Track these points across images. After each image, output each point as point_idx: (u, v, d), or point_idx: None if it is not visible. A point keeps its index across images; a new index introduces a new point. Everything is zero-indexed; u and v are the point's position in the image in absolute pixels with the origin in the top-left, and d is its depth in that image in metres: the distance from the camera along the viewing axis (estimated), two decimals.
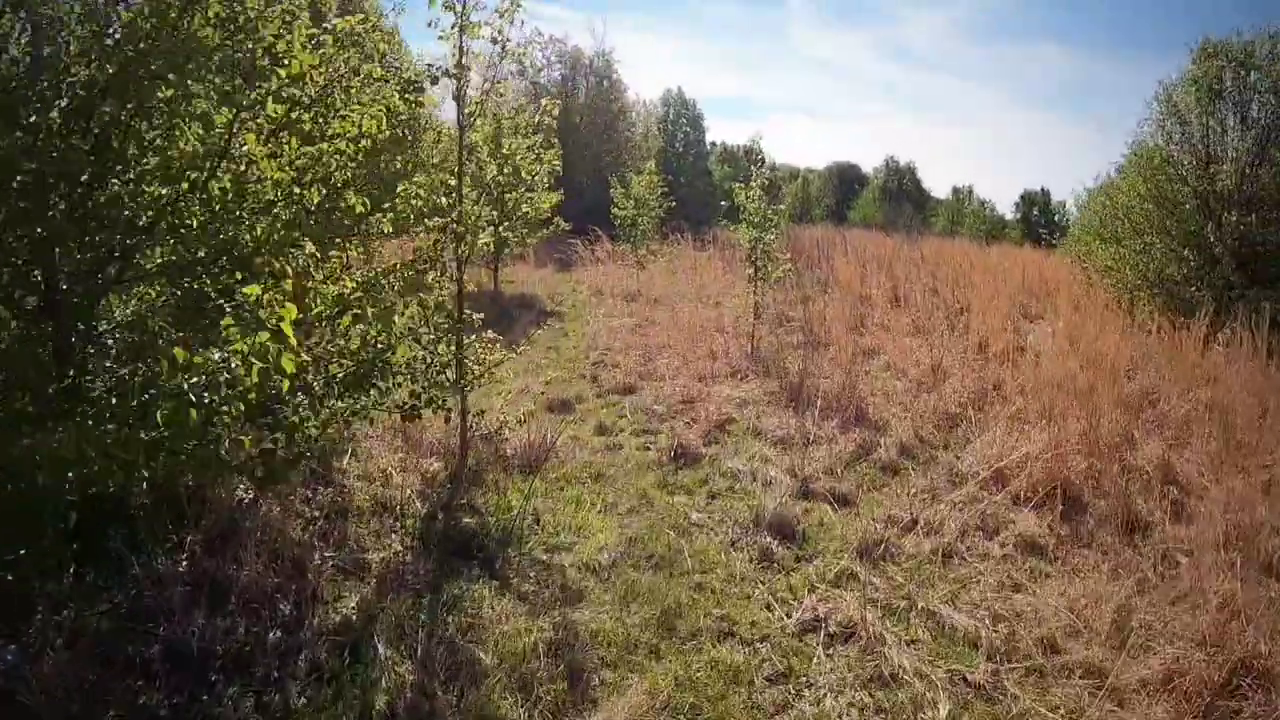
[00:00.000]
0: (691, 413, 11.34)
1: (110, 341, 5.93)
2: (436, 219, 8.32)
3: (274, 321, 4.64)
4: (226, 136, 5.64)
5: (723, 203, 20.39)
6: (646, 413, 11.48)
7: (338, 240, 6.56)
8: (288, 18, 5.75)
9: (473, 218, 9.03)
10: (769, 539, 7.80)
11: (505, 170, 9.95)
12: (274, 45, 5.65)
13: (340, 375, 5.93)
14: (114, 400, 4.98)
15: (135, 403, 4.82)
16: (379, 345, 6.03)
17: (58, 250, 5.25)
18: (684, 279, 22.37)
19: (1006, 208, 58.61)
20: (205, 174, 5.52)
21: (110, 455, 4.48)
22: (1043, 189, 57.06)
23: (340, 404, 6.12)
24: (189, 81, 5.26)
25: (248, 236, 5.66)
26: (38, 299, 5.36)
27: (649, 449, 10.18)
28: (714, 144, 50.45)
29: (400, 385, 6.67)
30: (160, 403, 4.60)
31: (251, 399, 4.77)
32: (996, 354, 15.27)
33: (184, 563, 6.08)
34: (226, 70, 5.65)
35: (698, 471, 9.46)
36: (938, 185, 69.02)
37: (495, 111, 10.32)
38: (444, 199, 8.71)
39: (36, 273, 5.31)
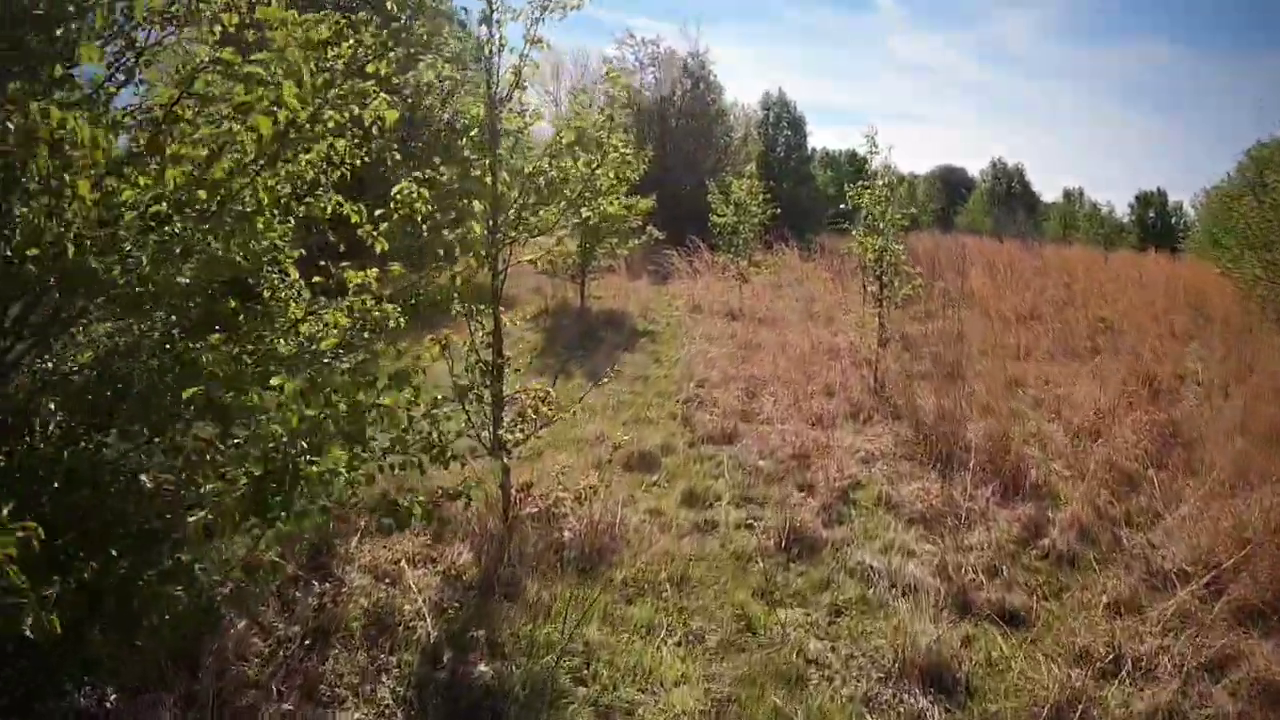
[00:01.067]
0: (806, 473, 8.99)
1: None
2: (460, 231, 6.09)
3: None
4: None
5: (841, 207, 17.74)
6: (749, 471, 9.11)
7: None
8: None
9: (512, 219, 6.59)
10: (920, 697, 5.42)
11: (565, 167, 7.39)
12: None
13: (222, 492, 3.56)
14: None
15: None
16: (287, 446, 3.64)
17: None
18: (790, 293, 19.84)
19: (1115, 210, 54.18)
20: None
21: None
22: (1159, 189, 52.67)
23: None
24: None
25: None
26: None
27: (752, 528, 7.82)
28: (813, 150, 47.48)
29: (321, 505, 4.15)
30: None
31: None
32: (1162, 385, 12.45)
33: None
34: None
35: (816, 568, 7.04)
36: (1042, 188, 64.33)
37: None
38: (477, 203, 6.38)
39: None
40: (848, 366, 12.88)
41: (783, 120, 41.07)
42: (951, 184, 61.94)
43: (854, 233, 17.67)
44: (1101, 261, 29.92)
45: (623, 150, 8.41)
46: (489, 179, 6.67)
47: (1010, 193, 59.63)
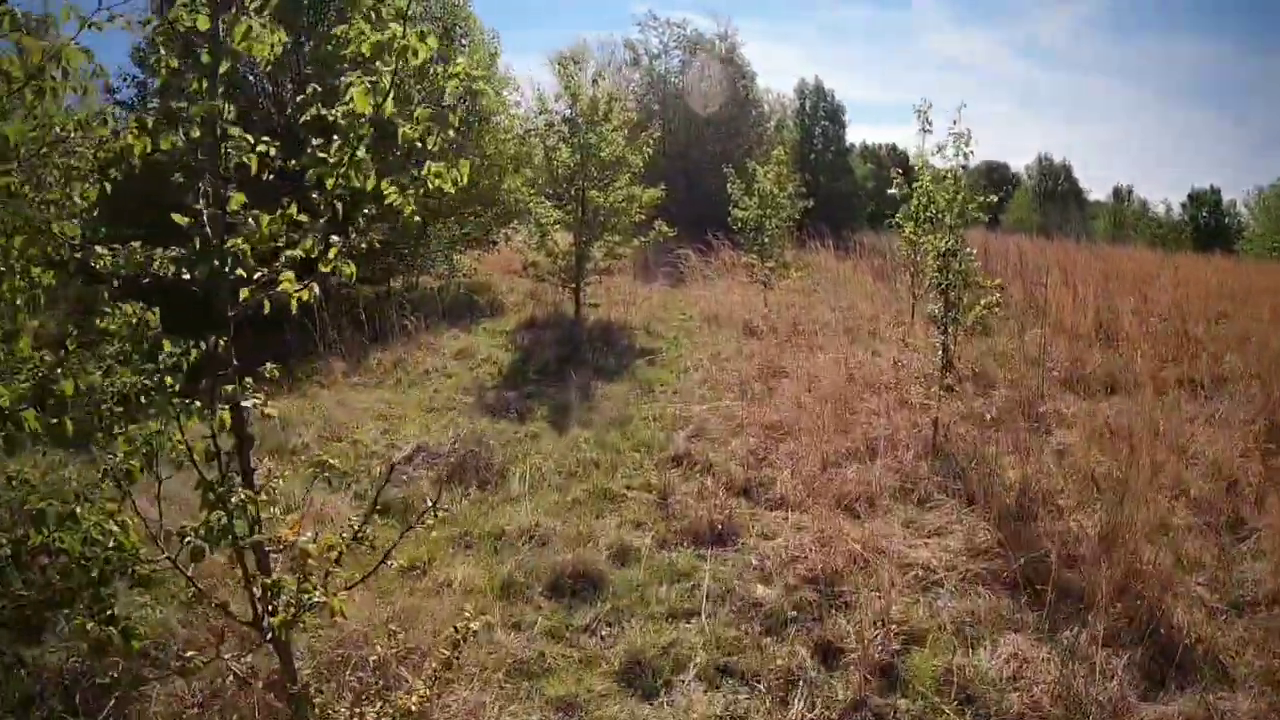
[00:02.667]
0: (830, 613, 5.51)
1: None
2: None
3: None
4: None
5: (890, 192, 14.13)
6: (741, 608, 5.77)
7: None
8: None
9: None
10: None
11: None
12: None
13: None
14: None
15: None
16: None
17: None
18: (825, 300, 16.23)
19: (1161, 208, 49.64)
20: None
21: None
22: (1212, 187, 48.17)
23: None
24: None
25: None
26: None
27: None
28: (851, 145, 43.38)
29: None
30: None
31: None
32: None
33: None
34: None
35: None
36: (1088, 185, 59.53)
37: None
38: None
39: None
40: (894, 407, 9.33)
41: (819, 110, 37.22)
42: (995, 181, 57.47)
43: (905, 229, 14.13)
44: (1165, 264, 25.88)
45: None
46: None
47: (1057, 190, 55.07)
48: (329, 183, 3.29)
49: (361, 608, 5.13)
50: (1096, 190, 58.02)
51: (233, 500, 3.49)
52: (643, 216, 14.31)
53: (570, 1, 79.35)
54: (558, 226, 13.90)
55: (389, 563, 3.91)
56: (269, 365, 4.11)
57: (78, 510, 3.63)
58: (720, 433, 8.84)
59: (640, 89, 28.77)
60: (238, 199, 3.29)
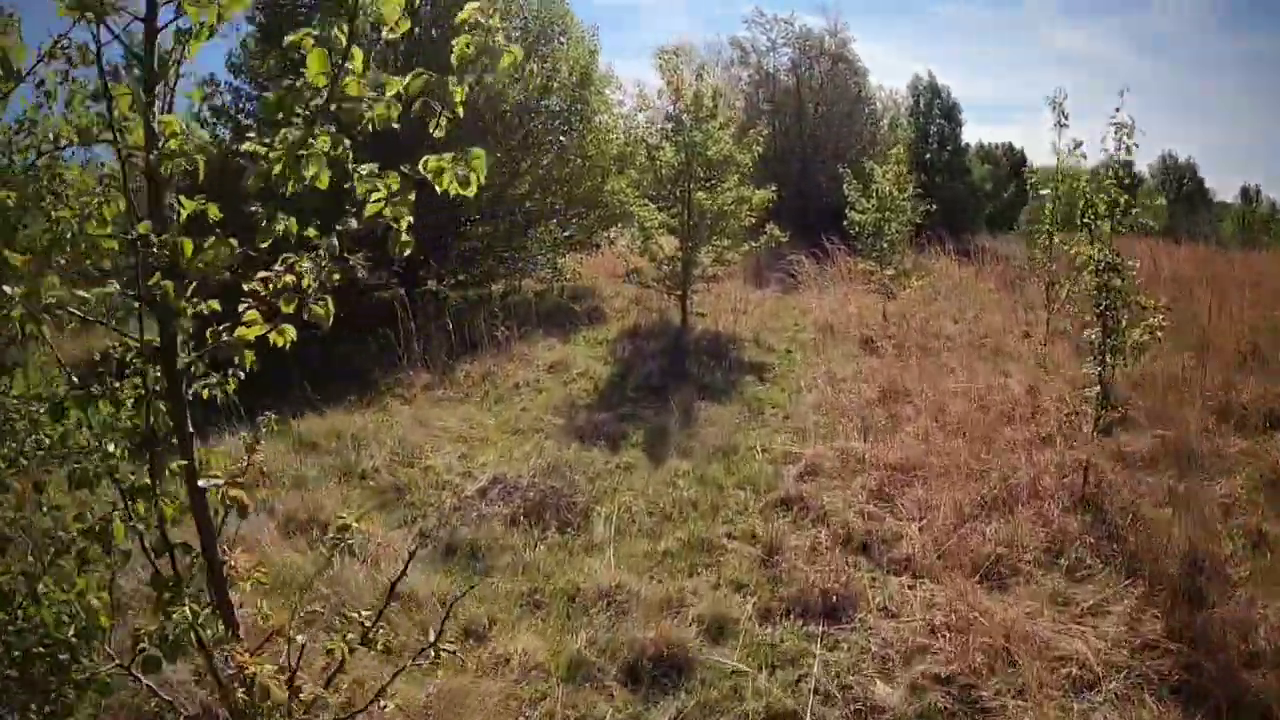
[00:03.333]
0: None
1: None
2: None
3: None
4: None
5: (1043, 194, 12.70)
6: (856, 715, 4.57)
7: None
8: None
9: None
10: None
11: None
12: None
13: None
14: None
15: None
16: None
17: None
18: (947, 310, 14.80)
19: None
20: None
21: None
22: None
23: None
24: None
25: None
26: None
27: None
28: (967, 144, 40.91)
29: None
30: None
31: None
32: None
33: None
34: None
35: None
36: (1215, 185, 55.18)
37: None
38: None
39: None
40: (1035, 443, 8.00)
41: (934, 107, 35.21)
42: (1117, 181, 54.00)
43: (1038, 236, 12.64)
44: None
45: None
46: None
47: (1181, 191, 51.37)
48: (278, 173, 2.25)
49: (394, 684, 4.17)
50: (1222, 191, 54.02)
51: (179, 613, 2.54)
52: (753, 220, 13.15)
53: (677, 5, 78.11)
54: (662, 230, 12.83)
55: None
56: (269, 415, 3.15)
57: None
58: (837, 470, 7.67)
59: (749, 88, 27.37)
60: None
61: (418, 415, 9.42)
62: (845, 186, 15.00)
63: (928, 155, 31.49)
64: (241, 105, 13.86)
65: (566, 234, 15.69)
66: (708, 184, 12.85)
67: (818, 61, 27.47)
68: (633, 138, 13.76)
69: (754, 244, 13.42)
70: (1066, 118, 12.27)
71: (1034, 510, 6.68)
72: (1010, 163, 41.32)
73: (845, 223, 14.69)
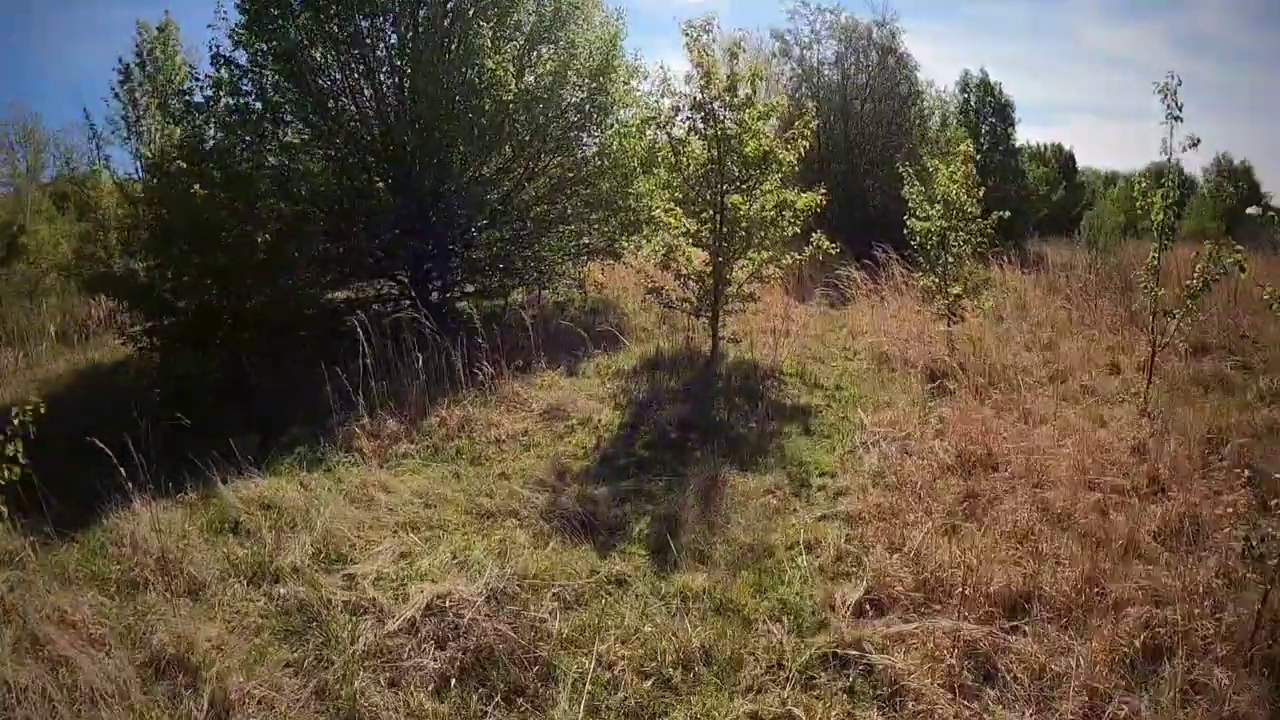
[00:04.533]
0: None
1: None
2: None
3: None
4: None
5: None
6: None
7: None
8: None
9: None
10: None
11: None
12: None
13: None
14: None
15: None
16: None
17: None
18: (1016, 330, 12.35)
19: None
20: None
21: None
22: None
23: None
24: None
25: None
26: None
27: None
28: (1020, 145, 37.74)
29: None
30: None
31: None
32: None
33: None
34: None
35: None
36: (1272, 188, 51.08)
37: None
38: None
39: None
40: (1171, 541, 5.69)
41: (986, 106, 32.29)
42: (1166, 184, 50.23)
43: (1152, 256, 10.06)
44: None
45: None
46: None
47: (1239, 194, 47.53)
48: None
49: None
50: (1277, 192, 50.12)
51: None
52: (798, 229, 10.64)
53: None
54: (688, 240, 10.40)
55: None
56: None
57: None
58: (911, 600, 5.23)
59: (792, 83, 24.48)
60: None
61: (365, 482, 7.10)
62: (905, 189, 12.45)
63: (979, 156, 28.44)
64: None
65: (585, 241, 13.28)
66: (743, 185, 10.37)
67: (865, 54, 24.60)
68: (646, 129, 11.13)
69: (798, 256, 10.89)
70: (1180, 110, 9.77)
71: (1185, 663, 4.25)
72: (1059, 164, 38.35)
73: (905, 231, 12.10)
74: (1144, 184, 10.14)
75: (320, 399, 8.42)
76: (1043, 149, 43.70)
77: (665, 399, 9.08)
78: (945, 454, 7.73)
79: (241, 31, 11.01)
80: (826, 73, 24.45)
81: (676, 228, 10.40)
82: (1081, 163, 45.58)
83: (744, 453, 7.85)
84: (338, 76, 11.57)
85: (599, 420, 8.57)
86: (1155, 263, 9.86)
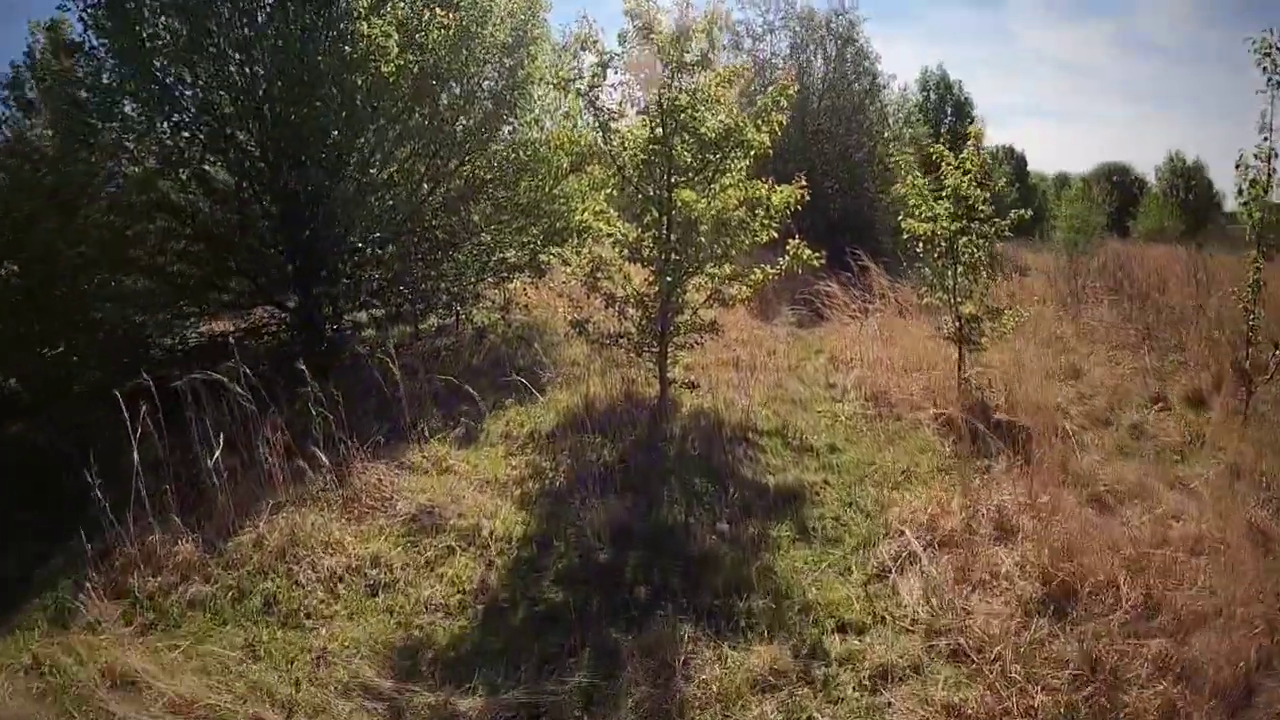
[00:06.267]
0: None
1: None
2: None
3: None
4: None
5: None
6: None
7: None
8: None
9: None
10: None
11: None
12: None
13: None
14: None
15: None
16: None
17: None
18: (1032, 354, 9.60)
19: None
20: None
21: None
22: None
23: None
24: None
25: None
26: None
27: None
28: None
29: None
30: None
31: None
32: None
33: None
34: None
35: None
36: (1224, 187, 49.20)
37: None
38: None
39: None
40: None
41: (946, 103, 29.73)
42: (1120, 185, 47.88)
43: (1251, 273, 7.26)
44: None
45: None
46: None
47: (1190, 192, 45.39)
48: None
49: None
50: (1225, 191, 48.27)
51: None
52: (774, 233, 7.55)
53: None
54: (620, 251, 7.35)
55: None
56: None
57: None
58: None
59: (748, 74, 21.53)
60: None
61: (109, 670, 3.96)
62: (899, 184, 9.42)
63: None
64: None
65: (503, 255, 10.09)
66: (699, 176, 7.28)
67: (822, 46, 21.53)
68: (572, 94, 7.78)
69: (769, 269, 7.81)
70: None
71: None
72: (1011, 166, 35.88)
73: (905, 236, 8.97)
74: (1248, 172, 7.26)
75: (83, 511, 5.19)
76: (995, 151, 41.16)
77: (594, 484, 5.96)
78: (1022, 576, 4.78)
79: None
80: (781, 66, 21.40)
81: (609, 233, 7.34)
82: (1030, 165, 43.40)
83: (715, 588, 4.78)
84: (189, 55, 8.30)
85: (491, 531, 5.40)
86: (1256, 279, 7.03)
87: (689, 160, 7.16)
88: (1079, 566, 4.83)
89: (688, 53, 6.84)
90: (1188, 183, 45.30)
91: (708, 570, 4.98)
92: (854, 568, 5.03)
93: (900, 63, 76.27)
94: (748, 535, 5.40)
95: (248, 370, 5.83)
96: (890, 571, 4.91)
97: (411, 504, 5.69)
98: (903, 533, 5.34)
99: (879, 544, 5.24)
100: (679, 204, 7.06)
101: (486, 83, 9.47)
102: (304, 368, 6.23)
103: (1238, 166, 7.16)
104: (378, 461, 6.20)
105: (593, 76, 6.97)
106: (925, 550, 5.09)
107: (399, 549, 5.26)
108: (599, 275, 7.35)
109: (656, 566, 4.99)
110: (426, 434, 6.73)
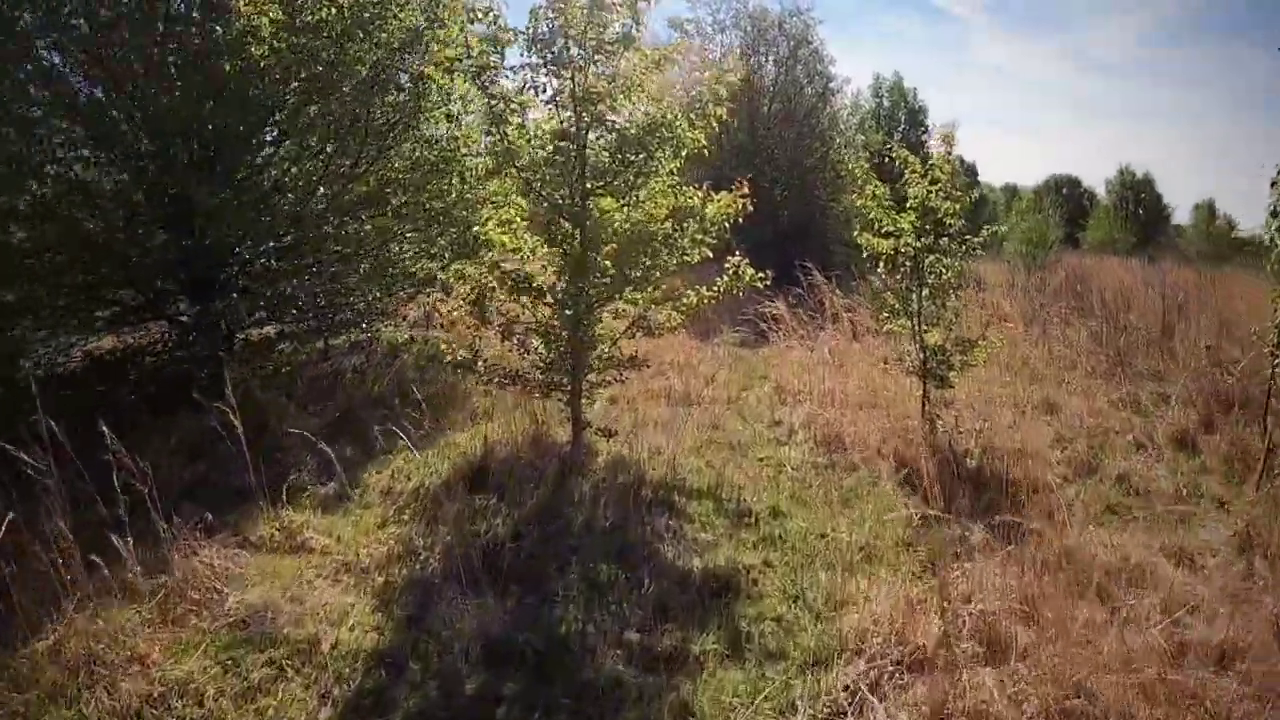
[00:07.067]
0: None
1: None
2: None
3: None
4: None
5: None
6: None
7: None
8: None
9: None
10: None
11: None
12: None
13: None
14: None
15: None
16: None
17: None
18: (1005, 392, 8.53)
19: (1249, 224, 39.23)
20: None
21: None
22: None
23: None
24: None
25: None
26: None
27: None
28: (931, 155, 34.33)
29: None
30: None
31: None
32: None
33: None
34: None
35: None
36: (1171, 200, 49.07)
37: None
38: None
39: None
40: None
41: (899, 110, 28.73)
42: (1070, 197, 47.48)
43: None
44: None
45: None
46: None
47: (1140, 205, 45.05)
48: None
49: None
50: (1175, 202, 48.08)
51: None
52: (709, 251, 6.28)
53: None
54: (519, 267, 6.05)
55: None
56: None
57: None
58: None
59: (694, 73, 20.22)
60: None
61: None
62: (855, 194, 8.21)
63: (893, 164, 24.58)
64: None
65: (402, 269, 8.70)
66: (618, 181, 5.98)
67: (773, 47, 20.28)
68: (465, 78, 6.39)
69: (705, 291, 6.55)
70: None
71: None
72: (962, 177, 35.25)
73: (865, 254, 7.72)
74: None
75: None
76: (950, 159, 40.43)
77: (476, 571, 4.63)
78: (1019, 716, 3.56)
79: None
80: (730, 67, 20.20)
81: (514, 248, 6.02)
82: (981, 176, 42.85)
83: None
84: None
85: (333, 645, 4.03)
86: None
87: (607, 161, 5.85)
88: (1087, 702, 3.64)
89: (606, 28, 5.54)
90: (1137, 195, 45.08)
91: (607, 709, 3.67)
92: (799, 702, 3.75)
93: (853, 70, 75.77)
94: (663, 648, 4.10)
95: (52, 424, 4.37)
96: (847, 712, 3.66)
97: (241, 602, 4.30)
98: (857, 644, 4.10)
99: (832, 664, 3.97)
100: (594, 214, 5.76)
101: (398, 73, 8.13)
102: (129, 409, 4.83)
103: (1273, 185, 6.06)
104: (214, 538, 4.81)
105: (480, 54, 5.62)
106: (891, 678, 3.84)
107: (216, 668, 3.86)
108: (485, 299, 6.01)
109: (539, 703, 3.68)
110: (287, 493, 5.34)
